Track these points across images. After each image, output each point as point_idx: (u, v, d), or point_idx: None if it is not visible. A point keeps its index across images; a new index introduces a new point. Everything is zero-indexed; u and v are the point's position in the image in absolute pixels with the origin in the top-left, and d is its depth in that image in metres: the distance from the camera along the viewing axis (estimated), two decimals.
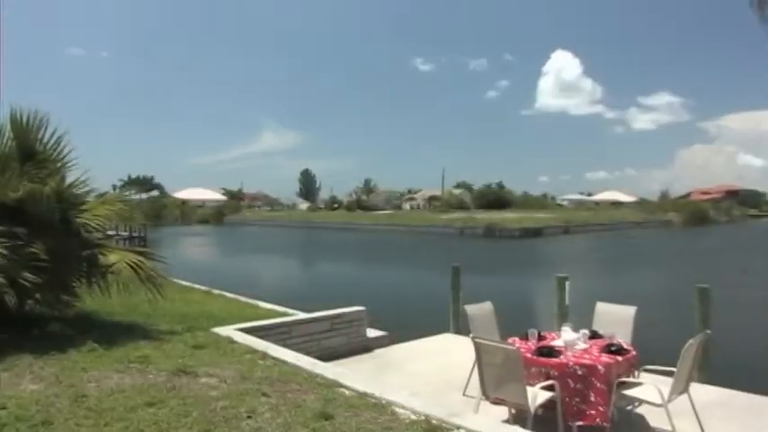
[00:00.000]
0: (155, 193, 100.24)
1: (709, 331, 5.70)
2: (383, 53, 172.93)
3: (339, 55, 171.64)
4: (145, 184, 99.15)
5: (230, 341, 6.07)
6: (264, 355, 5.48)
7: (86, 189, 6.81)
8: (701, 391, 5.60)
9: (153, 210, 71.83)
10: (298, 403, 3.98)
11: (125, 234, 33.20)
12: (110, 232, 8.57)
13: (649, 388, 4.87)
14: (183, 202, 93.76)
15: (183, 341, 5.97)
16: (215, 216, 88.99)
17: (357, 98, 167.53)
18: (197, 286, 12.63)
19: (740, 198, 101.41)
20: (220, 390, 4.22)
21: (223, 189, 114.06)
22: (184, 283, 12.83)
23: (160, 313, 7.42)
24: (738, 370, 7.30)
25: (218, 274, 24.13)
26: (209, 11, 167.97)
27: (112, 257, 6.46)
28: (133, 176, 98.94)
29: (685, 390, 4.90)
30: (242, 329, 6.67)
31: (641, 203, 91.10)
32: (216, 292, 11.75)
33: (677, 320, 8.61)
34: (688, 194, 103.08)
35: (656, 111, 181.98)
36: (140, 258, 6.61)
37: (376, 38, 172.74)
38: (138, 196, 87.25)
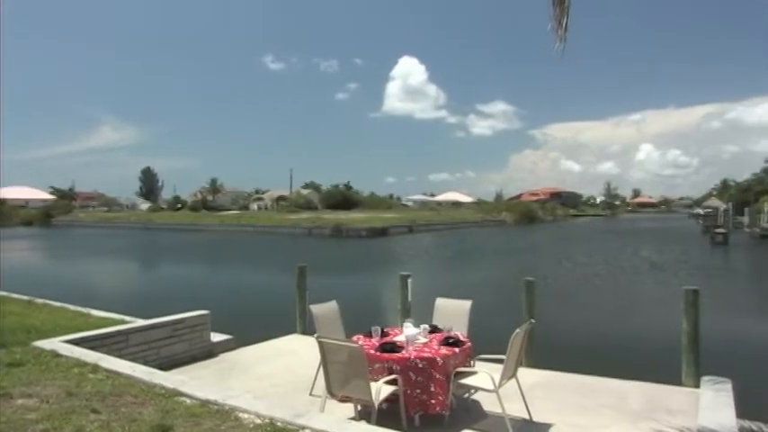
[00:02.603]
0: None
1: (533, 320, 6.27)
2: (231, 49, 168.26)
3: (184, 49, 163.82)
4: None
5: (55, 355, 5.56)
6: (96, 368, 5.10)
7: None
8: (526, 374, 6.15)
9: None
10: (133, 417, 3.75)
11: None
12: None
13: (483, 376, 5.24)
14: (2, 201, 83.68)
15: None
16: (41, 217, 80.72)
17: (203, 95, 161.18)
18: (15, 296, 11.31)
19: (563, 199, 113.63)
20: (41, 411, 3.84)
21: (52, 188, 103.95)
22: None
23: None
24: (557, 353, 8.07)
25: (43, 281, 21.86)
26: None
27: None
28: None
29: (514, 375, 5.35)
30: (70, 341, 6.15)
31: (479, 204, 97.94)
32: (39, 301, 10.60)
33: (507, 311, 9.33)
34: (519, 195, 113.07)
35: (492, 118, 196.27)
36: None
37: (224, 32, 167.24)
38: None
